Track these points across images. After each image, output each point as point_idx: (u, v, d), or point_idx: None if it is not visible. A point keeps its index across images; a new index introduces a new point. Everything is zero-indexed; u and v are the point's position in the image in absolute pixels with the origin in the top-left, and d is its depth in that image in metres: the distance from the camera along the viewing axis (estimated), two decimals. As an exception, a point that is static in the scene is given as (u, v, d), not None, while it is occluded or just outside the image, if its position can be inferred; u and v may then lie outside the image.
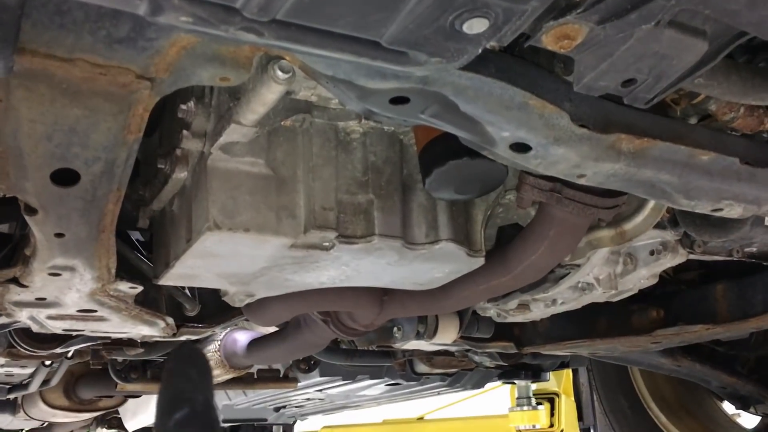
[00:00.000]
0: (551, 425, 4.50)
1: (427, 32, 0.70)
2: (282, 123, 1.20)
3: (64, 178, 0.94)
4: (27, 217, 0.99)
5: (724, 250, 1.65)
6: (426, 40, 0.71)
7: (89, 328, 1.54)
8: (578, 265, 1.63)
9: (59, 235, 1.04)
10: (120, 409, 4.38)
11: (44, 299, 1.30)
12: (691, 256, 1.63)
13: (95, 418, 4.87)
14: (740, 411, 2.87)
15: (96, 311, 1.38)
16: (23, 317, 1.43)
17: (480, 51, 0.74)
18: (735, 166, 1.04)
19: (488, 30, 0.70)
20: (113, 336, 1.75)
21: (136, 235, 1.71)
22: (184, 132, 1.15)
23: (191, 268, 1.29)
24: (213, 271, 1.33)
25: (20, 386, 2.96)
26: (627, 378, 3.15)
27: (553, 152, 0.95)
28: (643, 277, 1.70)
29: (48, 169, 0.92)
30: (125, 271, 1.40)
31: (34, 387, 2.88)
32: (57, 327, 1.50)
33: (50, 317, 1.42)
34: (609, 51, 0.77)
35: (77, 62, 0.82)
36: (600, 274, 1.69)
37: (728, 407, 3.05)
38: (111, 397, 3.66)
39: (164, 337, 1.69)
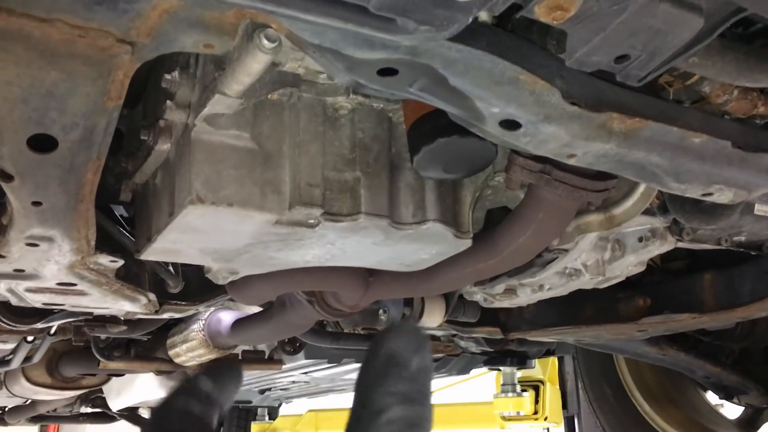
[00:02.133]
0: (535, 412, 4.52)
1: (416, -2, 0.68)
2: (269, 97, 1.18)
3: (41, 144, 0.92)
4: (3, 184, 0.96)
5: (713, 238, 1.65)
6: (415, 7, 0.69)
7: (69, 302, 1.51)
8: (566, 250, 1.62)
9: (36, 204, 1.01)
10: (104, 388, 4.36)
11: (22, 271, 1.27)
12: (680, 244, 1.62)
13: (79, 397, 4.85)
14: (723, 401, 2.89)
15: (76, 285, 1.36)
16: (1, 289, 1.41)
17: (470, 20, 0.72)
18: (727, 149, 1.03)
19: (479, -2, 0.68)
20: (95, 312, 1.73)
21: (120, 211, 1.69)
22: (168, 102, 1.13)
23: (173, 243, 1.27)
24: (195, 246, 1.30)
25: (2, 362, 2.93)
26: (612, 366, 3.16)
27: (544, 130, 0.94)
28: (631, 264, 1.69)
29: (24, 134, 0.89)
30: (107, 245, 1.38)
31: (15, 363, 2.85)
32: (36, 300, 1.48)
33: (29, 290, 1.40)
34: (602, 24, 0.75)
35: (55, 23, 0.79)
36: (588, 260, 1.68)
37: (712, 397, 3.06)
38: (94, 375, 3.63)
39: (146, 313, 1.67)
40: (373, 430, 0.57)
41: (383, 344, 0.62)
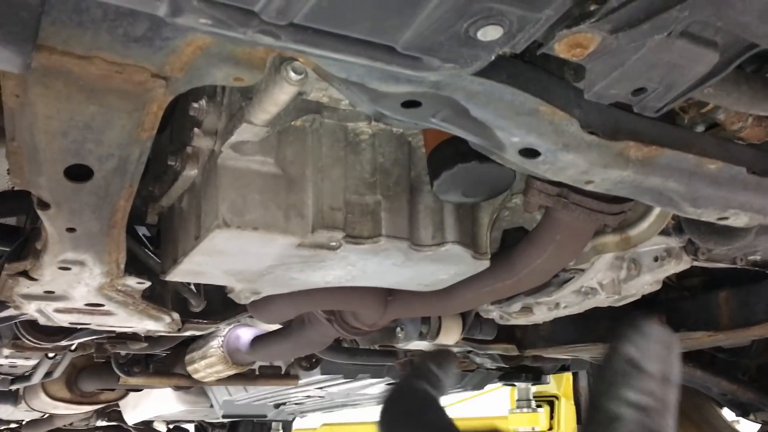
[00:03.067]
0: (550, 428, 4.51)
1: (442, 38, 0.71)
2: (292, 123, 1.21)
3: (78, 173, 0.95)
4: (39, 212, 1.00)
5: (728, 257, 1.66)
6: (440, 46, 0.72)
7: (95, 321, 1.55)
8: (582, 270, 1.64)
9: (71, 230, 1.05)
10: (121, 402, 4.40)
11: (53, 292, 1.31)
12: (695, 263, 1.64)
13: (95, 411, 4.89)
14: (740, 418, 2.88)
15: (103, 305, 1.39)
16: (31, 310, 1.44)
17: (493, 58, 0.75)
18: (742, 175, 1.05)
19: (502, 37, 0.71)
20: (118, 330, 1.76)
21: (142, 230, 1.72)
22: (196, 130, 1.16)
23: (199, 265, 1.30)
24: (220, 268, 1.34)
25: (23, 377, 2.97)
26: (627, 383, 3.15)
27: (562, 158, 0.96)
28: (647, 282, 1.70)
29: (62, 165, 0.93)
30: (133, 266, 1.41)
31: (36, 378, 2.90)
32: (64, 320, 1.51)
33: (58, 310, 1.43)
34: (621, 60, 0.78)
35: (94, 60, 0.83)
36: (604, 279, 1.70)
37: (728, 414, 3.05)
38: (112, 390, 3.67)
39: (169, 332, 1.70)
40: None
41: (624, 345, 0.58)
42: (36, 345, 1.97)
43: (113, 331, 1.91)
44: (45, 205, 0.98)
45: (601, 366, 0.57)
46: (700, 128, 1.11)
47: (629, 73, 0.80)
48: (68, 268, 1.17)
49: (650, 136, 0.98)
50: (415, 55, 0.73)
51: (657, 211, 1.40)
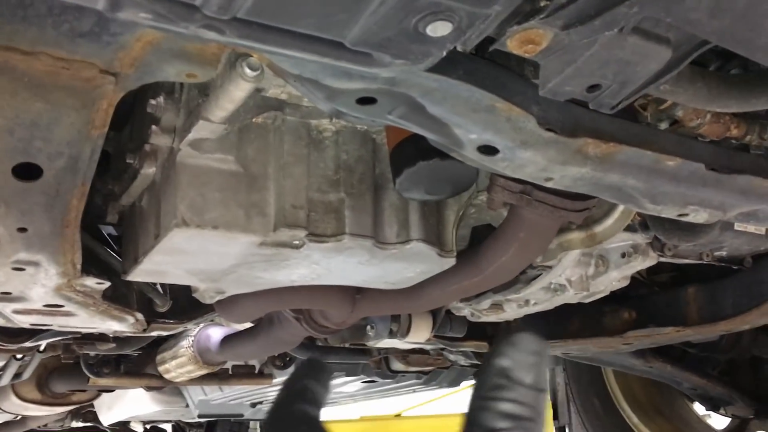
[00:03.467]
0: (526, 424, 4.53)
1: (390, 34, 0.70)
2: (253, 120, 1.20)
3: (27, 172, 0.93)
4: (-12, 211, 0.98)
5: (694, 253, 1.67)
6: (390, 42, 0.71)
7: (57, 323, 1.52)
8: (550, 267, 1.64)
9: (22, 230, 1.03)
10: (95, 403, 4.35)
11: (9, 293, 1.28)
12: (662, 259, 1.65)
13: (70, 412, 4.83)
14: (710, 412, 2.91)
15: (63, 306, 1.37)
16: (-11, 311, 1.42)
17: (444, 54, 0.74)
18: (701, 171, 1.05)
19: (452, 33, 0.70)
20: (83, 331, 1.73)
21: (108, 230, 1.70)
22: (153, 127, 1.14)
23: (159, 265, 1.29)
24: (182, 267, 1.32)
25: (-9, 379, 2.92)
26: (600, 378, 3.17)
27: (520, 155, 0.96)
28: (615, 279, 1.71)
29: (9, 163, 0.91)
30: (94, 266, 1.39)
31: (5, 380, 2.85)
32: (24, 321, 1.49)
33: (16, 311, 1.40)
34: (573, 56, 0.78)
35: (40, 56, 0.81)
36: (572, 276, 1.70)
37: (699, 408, 3.08)
38: (84, 391, 3.63)
39: (134, 332, 1.67)
40: None
41: (497, 358, 0.59)
42: (0, 347, 1.94)
43: (79, 332, 1.88)
44: (-6, 205, 0.96)
45: (476, 381, 0.59)
46: (664, 125, 1.11)
47: (583, 69, 0.79)
48: (22, 269, 1.15)
49: (609, 133, 0.98)
50: (365, 51, 0.72)
51: (621, 207, 1.40)
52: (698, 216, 1.12)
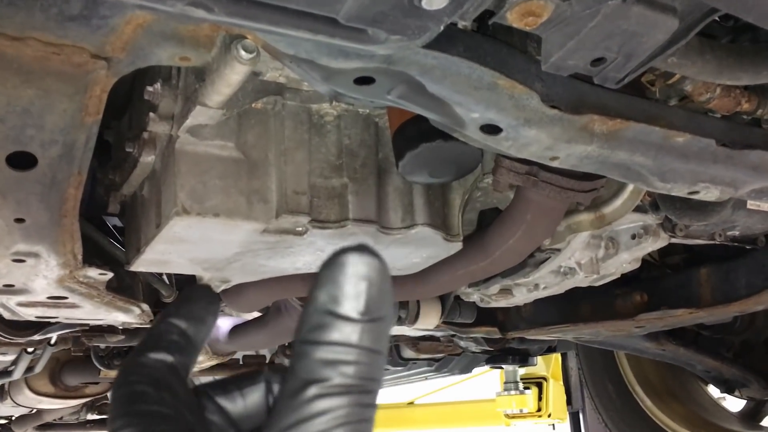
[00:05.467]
0: (539, 409, 4.51)
1: (384, 8, 0.67)
2: (253, 105, 1.18)
3: (21, 161, 0.92)
4: (-16, 202, 0.97)
5: (706, 233, 1.64)
6: (384, 17, 0.68)
7: (62, 314, 1.51)
8: (558, 250, 1.61)
9: (19, 221, 1.01)
10: (109, 395, 4.37)
11: (12, 286, 1.27)
12: (673, 240, 1.62)
13: (84, 404, 4.86)
14: (725, 395, 2.87)
15: (67, 298, 1.36)
16: (-7, 304, 1.41)
17: (442, 28, 0.71)
18: (711, 147, 1.02)
19: (449, 6, 0.67)
20: (90, 323, 1.73)
21: (113, 221, 1.69)
22: (151, 114, 1.13)
23: (162, 254, 1.27)
24: (185, 256, 1.30)
25: (4, 373, 2.93)
26: (613, 362, 3.15)
27: (524, 134, 0.93)
28: (625, 261, 1.68)
29: (3, 152, 0.89)
30: (97, 256, 1.37)
31: (17, 374, 2.85)
32: (29, 314, 1.48)
33: (21, 304, 1.40)
34: (576, 28, 0.75)
35: (28, 41, 0.79)
36: (581, 259, 1.68)
37: (714, 391, 3.05)
38: (97, 383, 3.64)
39: (141, 323, 1.67)
40: None
41: (316, 290, 0.44)
42: (9, 340, 1.94)
43: (86, 324, 1.87)
44: (-11, 195, 0.94)
45: (298, 323, 0.45)
46: (673, 101, 1.08)
47: (586, 42, 0.77)
48: (23, 260, 1.14)
49: (615, 109, 0.95)
50: (359, 26, 0.70)
51: (630, 187, 1.37)
52: (709, 193, 1.09)
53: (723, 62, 0.89)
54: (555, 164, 1.02)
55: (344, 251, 0.43)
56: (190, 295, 0.56)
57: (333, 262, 0.43)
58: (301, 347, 0.43)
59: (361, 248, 0.43)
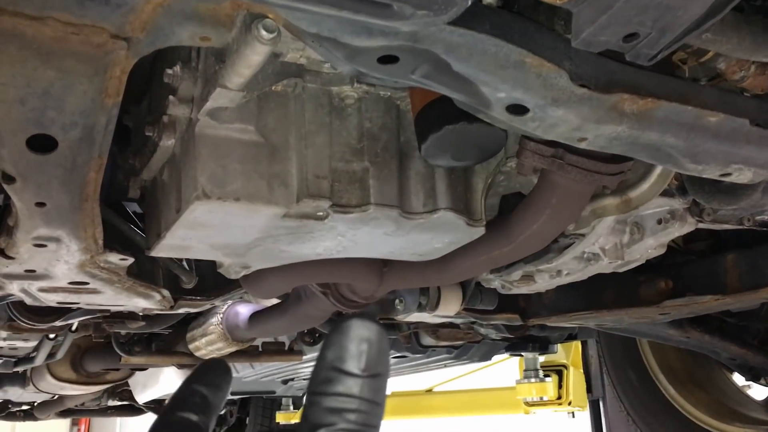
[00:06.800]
0: (559, 397, 4.49)
1: (411, -19, 0.65)
2: (273, 88, 1.16)
3: (41, 144, 0.91)
4: (5, 186, 0.96)
5: (735, 218, 1.60)
6: (411, -9, 0.66)
7: (83, 300, 1.52)
8: (583, 235, 1.59)
9: (40, 204, 1.00)
10: (130, 381, 4.41)
11: (33, 271, 1.27)
12: (700, 225, 1.58)
13: (105, 390, 4.91)
14: (750, 382, 2.83)
15: (88, 283, 1.36)
16: (15, 290, 1.41)
17: (469, 3, 0.69)
18: (745, 128, 0.99)
19: (477, -21, 0.65)
20: (111, 309, 1.73)
21: (134, 207, 1.68)
22: (171, 98, 1.12)
23: (182, 239, 1.26)
24: (205, 242, 1.29)
25: (26, 359, 2.97)
26: (635, 350, 3.11)
27: (552, 114, 0.91)
28: (651, 246, 1.65)
29: (23, 135, 0.88)
30: (119, 242, 1.37)
31: (39, 360, 2.88)
32: (50, 300, 1.48)
33: (42, 290, 1.40)
34: (609, 2, 0.72)
35: (48, 21, 0.77)
36: (606, 244, 1.65)
37: (738, 379, 3.01)
38: (118, 370, 3.67)
39: (162, 309, 1.66)
40: None
41: (325, 351, 0.55)
42: (31, 326, 1.95)
43: (107, 311, 1.88)
44: (10, 179, 0.94)
45: (311, 376, 0.56)
46: (702, 80, 1.05)
47: (619, 16, 0.74)
48: (44, 245, 1.13)
49: (646, 88, 0.92)
50: (384, 1, 0.68)
51: (658, 170, 1.34)
52: (742, 175, 1.06)
53: (759, 38, 0.86)
54: (583, 146, 0.99)
55: (349, 317, 0.54)
56: (208, 365, 0.67)
57: (339, 326, 0.54)
58: (311, 397, 0.54)
59: (363, 315, 0.54)
